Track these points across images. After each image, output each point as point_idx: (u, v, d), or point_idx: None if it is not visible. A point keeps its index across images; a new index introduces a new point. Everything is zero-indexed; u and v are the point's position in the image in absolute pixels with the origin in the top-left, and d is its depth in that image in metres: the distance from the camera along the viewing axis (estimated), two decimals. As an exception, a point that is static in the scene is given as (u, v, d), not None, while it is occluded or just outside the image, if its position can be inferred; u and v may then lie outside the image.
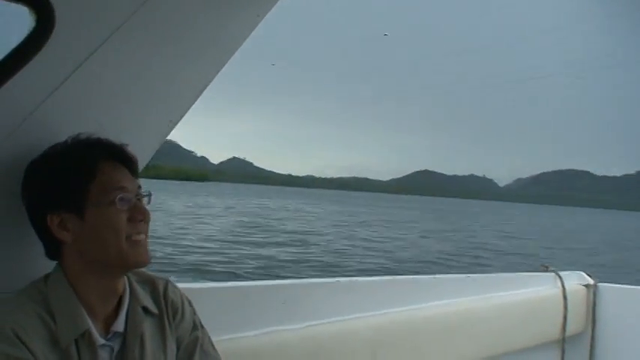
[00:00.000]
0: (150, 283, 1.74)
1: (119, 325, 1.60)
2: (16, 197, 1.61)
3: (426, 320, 3.13)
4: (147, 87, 1.92)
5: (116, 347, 1.58)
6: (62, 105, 1.69)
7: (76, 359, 1.49)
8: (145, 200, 1.63)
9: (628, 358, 3.82)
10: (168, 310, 1.72)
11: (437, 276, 3.47)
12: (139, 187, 1.63)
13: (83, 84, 1.70)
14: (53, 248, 1.59)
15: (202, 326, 1.80)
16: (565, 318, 3.80)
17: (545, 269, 3.95)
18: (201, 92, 2.07)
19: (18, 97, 1.60)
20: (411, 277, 3.41)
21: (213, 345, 1.80)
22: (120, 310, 1.62)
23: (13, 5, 1.55)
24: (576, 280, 4.02)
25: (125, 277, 1.66)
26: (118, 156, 1.61)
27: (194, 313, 1.80)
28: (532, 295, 3.79)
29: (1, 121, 1.60)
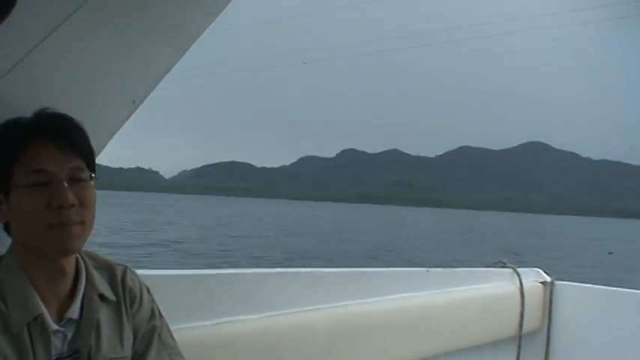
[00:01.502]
0: (108, 269, 1.67)
1: (74, 312, 1.54)
2: None
3: (383, 313, 3.08)
4: (110, 66, 1.88)
5: (69, 334, 1.53)
6: (22, 82, 1.64)
7: (28, 344, 1.44)
8: (91, 183, 1.54)
9: (582, 356, 3.87)
10: (125, 297, 1.66)
11: (396, 269, 3.39)
12: (76, 168, 1.51)
13: (45, 61, 1.66)
14: (5, 228, 1.56)
15: (161, 315, 1.75)
16: (522, 315, 3.77)
17: (503, 265, 3.88)
18: (165, 73, 2.03)
19: None
20: (371, 269, 3.33)
21: (171, 334, 1.75)
22: (75, 296, 1.55)
23: None
24: (533, 277, 4.03)
25: (81, 262, 1.60)
26: (49, 134, 1.49)
27: (152, 301, 1.74)
28: (490, 291, 3.74)
29: None
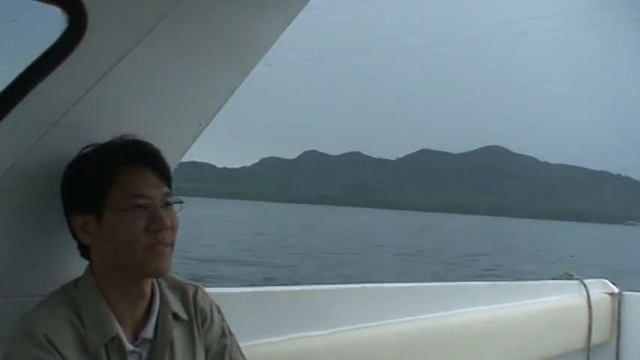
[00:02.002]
0: (180, 289, 1.72)
1: (148, 332, 1.58)
2: (51, 198, 1.61)
3: (451, 328, 3.11)
4: (177, 90, 1.90)
5: (144, 354, 1.57)
6: (94, 108, 1.68)
7: None
8: (176, 207, 1.61)
9: None
10: (197, 316, 1.70)
11: (463, 283, 3.50)
12: (167, 194, 1.59)
13: (114, 87, 1.70)
14: (82, 250, 1.61)
15: (231, 333, 1.78)
16: (590, 327, 3.76)
17: (570, 277, 3.85)
18: (230, 94, 2.05)
19: (49, 100, 1.60)
20: (437, 284, 3.42)
21: (241, 352, 1.79)
22: (149, 316, 1.60)
23: (46, 6, 1.56)
24: (601, 288, 4.02)
25: (155, 283, 1.65)
26: (145, 161, 1.57)
27: (223, 320, 1.78)
28: (557, 304, 3.75)
29: (33, 123, 1.60)
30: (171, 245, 1.57)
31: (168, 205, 1.58)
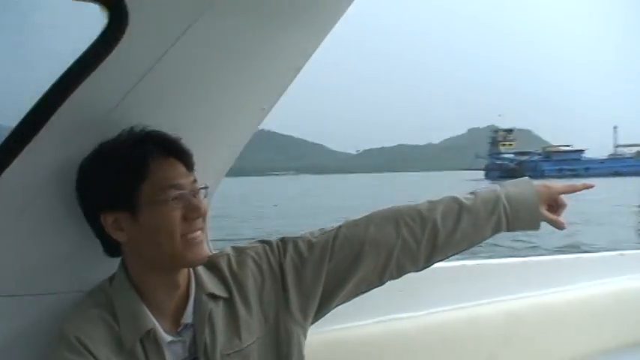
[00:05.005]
0: (214, 267, 1.65)
1: (188, 317, 1.55)
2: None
3: (569, 304, 2.81)
4: (231, 77, 1.73)
5: (188, 339, 1.55)
6: (139, 105, 1.58)
7: (143, 359, 1.48)
8: (201, 193, 1.54)
9: None
10: (236, 287, 1.63)
11: (583, 255, 3.29)
12: (194, 181, 1.53)
13: (161, 82, 1.59)
14: (111, 247, 1.55)
15: (296, 238, 1.72)
16: None
17: None
18: (295, 74, 1.86)
19: (93, 98, 1.52)
20: (552, 257, 3.20)
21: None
22: (188, 302, 1.57)
23: (86, 4, 1.49)
24: None
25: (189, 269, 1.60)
26: (171, 150, 1.51)
27: (276, 245, 1.71)
28: None
29: (75, 124, 1.52)
30: (202, 230, 1.53)
31: (196, 192, 1.52)
